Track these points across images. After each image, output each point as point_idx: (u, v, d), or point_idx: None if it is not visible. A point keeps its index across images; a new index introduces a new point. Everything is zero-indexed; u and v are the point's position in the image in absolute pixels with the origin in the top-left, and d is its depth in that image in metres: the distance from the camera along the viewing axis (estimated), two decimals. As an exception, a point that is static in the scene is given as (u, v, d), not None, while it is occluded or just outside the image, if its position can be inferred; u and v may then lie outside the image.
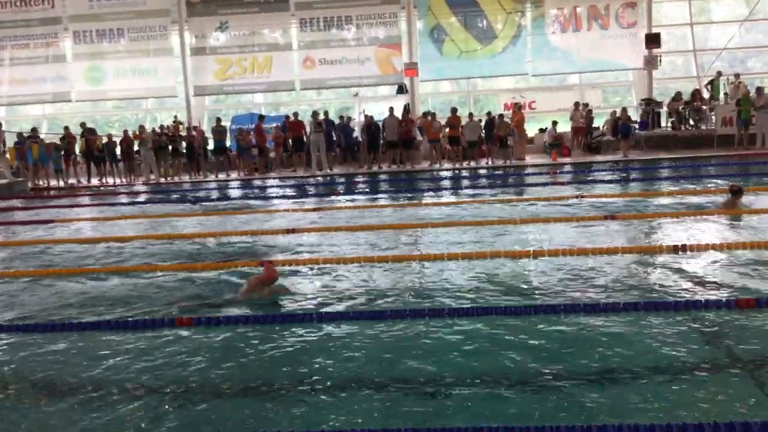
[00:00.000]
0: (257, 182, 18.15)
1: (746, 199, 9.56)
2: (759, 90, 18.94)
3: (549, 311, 5.10)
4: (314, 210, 11.48)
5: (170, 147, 20.35)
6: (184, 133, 20.87)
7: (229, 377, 4.19)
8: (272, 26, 23.89)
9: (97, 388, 4.10)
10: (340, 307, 5.55)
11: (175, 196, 15.98)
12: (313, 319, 5.19)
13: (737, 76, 20.43)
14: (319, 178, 18.21)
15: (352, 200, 12.85)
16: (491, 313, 5.11)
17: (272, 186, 17.15)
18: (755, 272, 5.98)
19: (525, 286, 5.95)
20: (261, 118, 20.67)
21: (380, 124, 19.97)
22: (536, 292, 5.75)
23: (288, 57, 23.77)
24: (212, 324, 5.15)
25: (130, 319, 5.36)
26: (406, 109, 20.97)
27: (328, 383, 4.03)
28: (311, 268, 6.97)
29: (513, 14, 22.82)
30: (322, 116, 19.64)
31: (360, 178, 17.70)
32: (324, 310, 5.46)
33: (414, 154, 20.03)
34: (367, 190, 15.11)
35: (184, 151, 20.34)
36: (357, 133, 20.66)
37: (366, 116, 20.32)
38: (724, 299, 5.09)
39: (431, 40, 23.20)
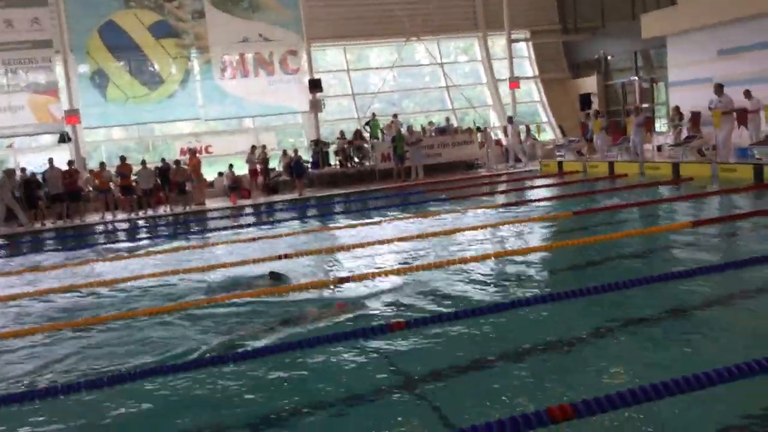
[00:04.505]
0: None
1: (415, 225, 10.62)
2: (410, 128, 21.40)
3: (219, 362, 5.00)
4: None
5: None
6: None
7: None
8: None
9: None
10: None
11: None
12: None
13: (395, 116, 22.72)
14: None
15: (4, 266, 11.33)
16: (170, 371, 4.85)
17: None
18: (410, 295, 6.60)
19: (201, 337, 5.78)
20: None
21: (41, 176, 18.09)
22: (202, 339, 5.64)
23: None
24: None
25: None
26: (71, 160, 19.29)
27: None
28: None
29: (179, 59, 22.54)
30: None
31: (21, 239, 15.65)
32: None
33: (82, 207, 18.47)
34: (26, 251, 13.44)
35: None
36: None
37: (21, 169, 18.18)
38: (379, 325, 5.48)
39: (93, 86, 21.73)
